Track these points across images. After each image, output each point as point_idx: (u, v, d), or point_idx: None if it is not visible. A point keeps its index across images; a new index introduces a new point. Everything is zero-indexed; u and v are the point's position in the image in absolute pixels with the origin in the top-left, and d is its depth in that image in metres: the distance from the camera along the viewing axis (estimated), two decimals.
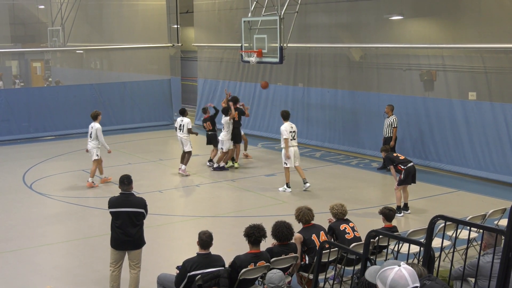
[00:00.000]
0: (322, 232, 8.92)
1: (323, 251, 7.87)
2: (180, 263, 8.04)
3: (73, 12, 31.45)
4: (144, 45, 26.99)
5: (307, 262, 8.74)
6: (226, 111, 17.49)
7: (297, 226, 8.90)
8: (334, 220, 9.33)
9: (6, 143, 22.02)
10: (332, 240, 9.03)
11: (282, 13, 17.06)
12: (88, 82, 25.61)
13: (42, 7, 35.28)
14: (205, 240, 8.07)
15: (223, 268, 8.04)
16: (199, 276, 7.83)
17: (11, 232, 12.37)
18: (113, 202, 9.10)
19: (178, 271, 8.08)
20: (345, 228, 9.12)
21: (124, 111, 25.09)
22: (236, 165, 17.84)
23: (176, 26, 27.39)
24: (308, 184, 15.13)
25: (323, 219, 9.66)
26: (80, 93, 24.50)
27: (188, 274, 7.87)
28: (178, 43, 27.32)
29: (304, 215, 8.97)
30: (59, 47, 31.24)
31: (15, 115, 22.89)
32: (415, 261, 8.58)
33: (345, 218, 9.34)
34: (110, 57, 29.39)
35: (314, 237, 8.78)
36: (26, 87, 30.64)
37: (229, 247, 9.93)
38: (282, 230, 8.41)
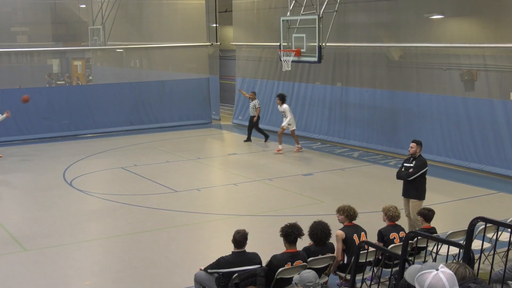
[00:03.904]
0: (363, 233, 8.84)
1: (361, 251, 7.81)
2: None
3: (113, 11, 31.78)
4: (183, 44, 27.14)
5: (345, 261, 8.68)
6: None
7: (335, 226, 8.84)
8: (386, 223, 9.15)
9: (48, 141, 22.37)
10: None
11: (321, 12, 17.01)
12: (128, 80, 25.86)
13: (83, 6, 35.75)
14: (238, 239, 8.11)
15: (260, 266, 8.05)
16: (236, 274, 7.86)
17: (51, 228, 12.55)
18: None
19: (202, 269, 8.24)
20: (394, 238, 8.91)
21: (163, 110, 25.27)
22: None
23: (215, 25, 27.48)
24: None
25: (360, 220, 9.57)
26: (119, 91, 24.76)
27: (223, 271, 7.92)
28: (216, 42, 27.41)
29: (350, 210, 8.90)
30: (99, 46, 31.62)
31: (56, 113, 23.23)
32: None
33: (396, 223, 9.15)
34: (149, 56, 29.63)
35: (355, 237, 8.70)
36: (67, 85, 31.11)
37: (266, 246, 9.93)
38: (318, 234, 8.35)
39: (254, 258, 8.17)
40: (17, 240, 11.69)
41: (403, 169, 11.28)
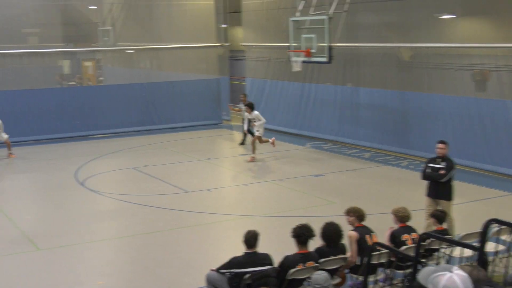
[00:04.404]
0: (373, 235, 8.82)
1: (373, 253, 7.80)
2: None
3: (123, 12, 31.86)
4: (192, 44, 27.18)
5: (357, 262, 8.66)
6: None
7: (346, 227, 8.83)
8: (397, 225, 9.10)
9: (59, 141, 22.46)
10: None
11: (331, 13, 16.99)
12: (138, 81, 25.92)
13: (94, 7, 35.85)
14: (249, 239, 8.13)
15: (272, 267, 8.06)
16: (248, 275, 7.86)
17: (64, 228, 12.61)
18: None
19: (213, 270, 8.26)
20: (406, 239, 8.85)
21: (173, 111, 25.30)
22: None
23: (224, 25, 27.51)
24: None
25: (372, 221, 9.55)
26: (130, 92, 24.83)
27: (234, 271, 7.93)
28: (226, 43, 27.44)
29: (360, 211, 8.88)
30: (109, 46, 31.69)
31: (68, 113, 23.31)
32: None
33: (407, 224, 9.10)
34: (159, 57, 29.68)
35: (367, 237, 8.68)
36: (77, 86, 31.18)
37: (277, 247, 9.93)
38: (331, 234, 8.34)
39: (265, 258, 8.18)
40: (30, 239, 11.75)
41: (428, 170, 11.21)
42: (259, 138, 18.80)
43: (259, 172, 17.43)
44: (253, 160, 18.53)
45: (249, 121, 19.50)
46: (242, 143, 21.01)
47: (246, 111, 19.19)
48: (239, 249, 8.30)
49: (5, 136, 19.45)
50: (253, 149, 18.71)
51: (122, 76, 30.40)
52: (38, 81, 28.96)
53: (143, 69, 30.28)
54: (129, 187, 15.87)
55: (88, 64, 37.97)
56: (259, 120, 18.81)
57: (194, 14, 28.21)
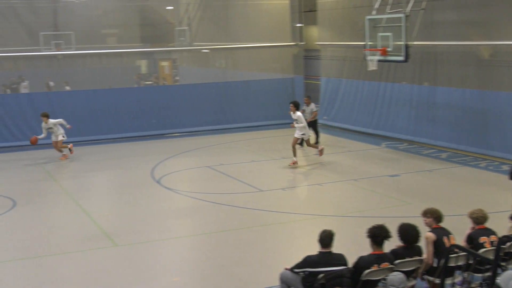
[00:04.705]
0: (451, 236, 8.62)
1: (450, 255, 7.63)
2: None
3: (199, 12, 32.27)
4: (267, 44, 27.26)
5: (433, 264, 8.49)
6: None
7: (422, 229, 8.67)
8: (474, 228, 8.87)
9: (136, 139, 22.96)
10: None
11: (408, 10, 16.72)
12: (213, 80, 26.21)
13: (170, 8, 36.46)
14: (324, 239, 8.09)
15: (346, 267, 8.00)
16: (323, 274, 7.83)
17: (141, 224, 12.87)
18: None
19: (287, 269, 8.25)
20: (484, 242, 8.60)
21: (248, 110, 25.45)
22: None
23: (299, 25, 27.48)
24: None
25: (449, 223, 9.35)
26: (205, 91, 25.11)
27: (309, 270, 7.91)
28: (301, 42, 27.40)
29: (437, 212, 8.70)
30: (186, 46, 32.17)
31: (145, 112, 23.79)
32: None
33: (485, 226, 8.85)
34: (234, 56, 29.93)
35: (445, 239, 8.49)
36: (154, 86, 31.82)
37: (352, 247, 9.85)
38: (410, 232, 8.22)
39: (340, 259, 8.13)
40: (108, 235, 12.06)
41: None
42: (307, 141, 18.29)
43: (333, 172, 17.32)
44: (295, 164, 17.80)
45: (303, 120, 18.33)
46: (316, 142, 20.91)
47: (291, 110, 18.17)
48: (314, 249, 8.27)
49: (60, 137, 19.47)
50: (294, 152, 17.96)
51: (197, 75, 30.82)
52: (116, 81, 29.72)
53: (218, 69, 30.61)
54: (204, 185, 16.06)
55: (164, 64, 38.73)
56: (301, 122, 17.90)
57: (270, 13, 28.29)
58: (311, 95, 22.42)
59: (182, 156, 19.99)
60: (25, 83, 28.94)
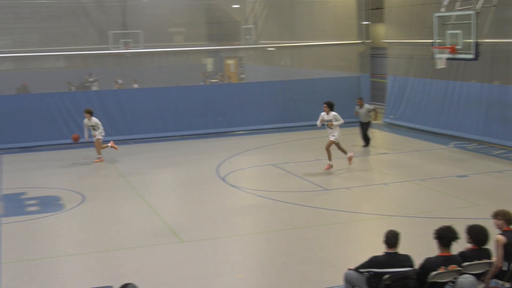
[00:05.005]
0: None
1: None
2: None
3: (265, 10, 32.34)
4: (333, 42, 27.10)
5: (503, 268, 8.28)
6: None
7: (492, 232, 8.46)
8: None
9: (202, 137, 23.20)
10: None
11: (479, 7, 16.33)
12: (279, 79, 26.21)
13: (237, 6, 36.66)
14: (390, 239, 7.98)
15: (412, 269, 7.89)
16: (388, 275, 7.74)
17: (206, 221, 13.00)
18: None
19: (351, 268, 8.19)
20: None
21: (313, 108, 25.22)
22: None
23: (366, 22, 27.20)
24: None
25: None
26: (270, 89, 25.13)
27: (375, 271, 7.83)
28: (367, 40, 27.12)
29: (509, 214, 8.48)
30: (251, 45, 32.28)
31: (211, 110, 24.00)
32: None
33: None
34: (300, 55, 29.87)
35: None
36: (220, 83, 32.07)
37: (418, 248, 9.71)
38: (480, 234, 8.03)
39: (406, 260, 8.01)
40: (174, 231, 12.23)
41: None
42: (337, 144, 17.23)
43: (399, 171, 17.08)
44: (329, 168, 17.01)
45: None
46: (366, 145, 20.56)
47: (325, 110, 17.31)
48: (379, 249, 8.19)
49: (99, 135, 19.13)
50: (329, 156, 17.06)
51: (262, 73, 30.91)
52: (183, 79, 30.10)
53: (283, 67, 30.61)
54: (269, 183, 16.09)
55: (230, 62, 39.01)
56: (336, 120, 17.04)
57: (336, 11, 28.13)
58: (377, 93, 22.18)
59: (247, 154, 20.09)
60: (95, 81, 29.66)
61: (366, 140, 20.55)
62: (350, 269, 8.35)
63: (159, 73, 31.26)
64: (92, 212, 13.97)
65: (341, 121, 17.12)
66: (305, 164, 17.97)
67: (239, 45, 34.00)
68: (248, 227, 12.80)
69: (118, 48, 29.26)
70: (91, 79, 29.49)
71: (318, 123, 17.48)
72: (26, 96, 25.25)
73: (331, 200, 14.36)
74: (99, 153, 19.23)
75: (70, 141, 20.16)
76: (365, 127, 20.53)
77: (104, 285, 7.63)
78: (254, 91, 25.17)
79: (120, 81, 30.28)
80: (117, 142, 20.37)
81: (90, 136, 19.15)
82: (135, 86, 29.13)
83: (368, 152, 19.94)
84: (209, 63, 39.81)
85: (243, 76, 36.95)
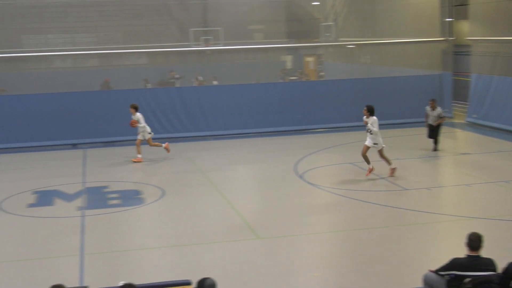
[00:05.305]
0: None
1: None
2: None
3: (345, 7, 32.12)
4: (415, 39, 26.61)
5: None
6: None
7: None
8: None
9: (280, 134, 23.24)
10: None
11: None
12: (358, 76, 25.95)
13: (317, 3, 36.55)
14: (474, 241, 7.77)
15: (495, 273, 7.66)
16: (469, 279, 7.55)
17: (283, 218, 13.00)
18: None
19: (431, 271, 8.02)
20: None
21: (393, 106, 24.92)
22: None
23: (449, 19, 26.57)
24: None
25: None
26: (350, 87, 24.89)
27: (456, 273, 7.64)
28: (450, 37, 26.48)
29: None
30: (331, 42, 32.12)
31: (289, 107, 23.99)
32: None
33: None
34: (380, 52, 29.50)
35: None
36: (299, 81, 32.03)
37: (502, 252, 9.43)
38: None
39: (489, 264, 7.78)
40: (251, 227, 12.29)
41: None
42: (380, 152, 16.20)
43: (482, 172, 16.61)
44: (371, 171, 16.14)
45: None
46: (435, 150, 19.30)
47: (364, 114, 16.28)
48: (459, 251, 7.99)
49: (148, 135, 19.09)
50: (367, 160, 16.19)
51: (342, 71, 30.70)
52: (262, 76, 30.23)
53: (363, 64, 30.30)
54: (347, 182, 15.94)
55: (309, 59, 38.93)
56: (373, 127, 15.98)
57: (418, 7, 27.62)
58: (460, 92, 21.62)
59: (325, 151, 19.99)
60: (180, 78, 30.16)
61: (436, 143, 19.29)
62: (430, 271, 8.19)
63: (238, 70, 31.54)
64: (172, 206, 14.22)
65: (376, 129, 15.88)
66: (383, 163, 17.68)
67: (319, 42, 33.88)
68: (325, 226, 12.74)
69: (198, 45, 29.69)
70: (177, 76, 30.00)
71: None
72: (108, 92, 25.93)
73: (411, 200, 14.11)
74: (138, 152, 19.11)
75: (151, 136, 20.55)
76: (434, 131, 19.23)
77: (182, 279, 7.76)
78: (333, 88, 24.99)
79: (200, 78, 30.71)
80: (196, 138, 20.67)
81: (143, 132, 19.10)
82: (215, 83, 29.47)
83: (449, 152, 19.47)
84: (288, 61, 39.85)
85: (322, 73, 36.82)
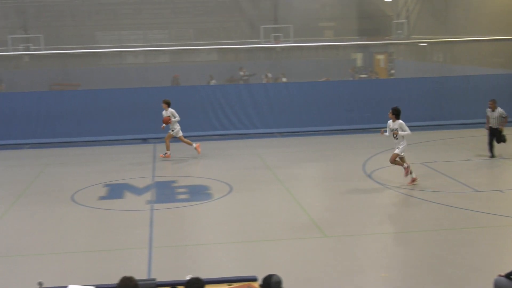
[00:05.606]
0: None
1: None
2: None
3: (418, 4, 31.58)
4: (490, 37, 25.92)
5: None
6: None
7: None
8: None
9: (349, 132, 23.05)
10: None
11: None
12: (430, 75, 25.48)
13: (389, 0, 36.07)
14: None
15: None
16: None
17: (350, 217, 12.90)
18: None
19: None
20: None
21: (466, 106, 24.32)
22: None
23: None
24: None
25: None
26: (421, 86, 24.43)
27: None
28: None
29: None
30: (402, 40, 31.65)
31: (359, 105, 23.74)
32: None
33: None
34: (453, 50, 28.90)
35: None
36: (369, 79, 31.71)
37: None
38: None
39: None
40: (318, 226, 12.24)
41: None
42: (401, 157, 15.34)
43: None
44: (408, 169, 15.22)
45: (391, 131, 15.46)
46: (492, 156, 18.09)
47: (391, 118, 15.42)
48: None
49: (178, 132, 19.00)
50: (398, 163, 15.40)
51: (413, 69, 30.22)
52: (332, 73, 30.08)
53: (435, 63, 29.74)
54: (417, 182, 15.67)
55: (380, 57, 38.46)
56: (402, 130, 15.13)
57: (493, 5, 26.92)
58: None
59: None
60: (252, 75, 30.37)
61: (492, 149, 18.06)
62: (500, 276, 7.97)
63: (307, 67, 31.48)
64: (239, 202, 14.30)
65: (408, 132, 15.13)
66: (454, 163, 17.35)
67: (390, 40, 33.48)
68: (393, 226, 12.58)
69: (268, 42, 29.79)
70: (248, 73, 30.23)
71: (387, 133, 15.48)
72: (178, 88, 26.28)
73: (482, 202, 13.75)
74: (167, 148, 19.13)
75: (218, 132, 20.74)
76: (495, 134, 18.00)
77: (248, 275, 7.76)
78: (404, 87, 24.57)
79: (269, 75, 30.79)
80: (264, 135, 20.68)
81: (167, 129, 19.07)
82: (284, 80, 29.49)
83: None
84: (358, 58, 39.52)
85: (392, 71, 36.33)
